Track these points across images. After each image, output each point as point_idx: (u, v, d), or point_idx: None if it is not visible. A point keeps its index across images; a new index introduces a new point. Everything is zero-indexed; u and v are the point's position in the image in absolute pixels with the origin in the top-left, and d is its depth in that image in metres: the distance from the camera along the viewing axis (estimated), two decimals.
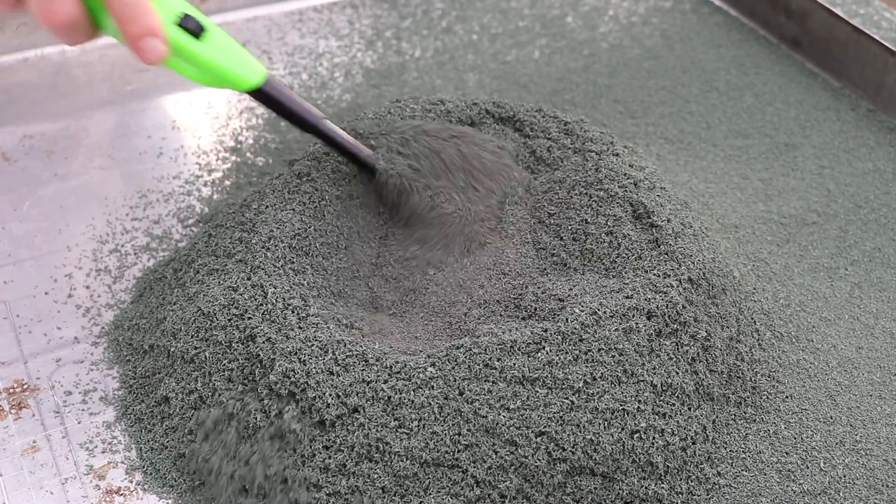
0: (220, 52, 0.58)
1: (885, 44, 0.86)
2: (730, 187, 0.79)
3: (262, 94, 0.61)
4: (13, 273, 0.69)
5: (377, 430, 0.53)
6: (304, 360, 0.55)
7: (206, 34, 0.57)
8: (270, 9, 0.99)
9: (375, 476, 0.52)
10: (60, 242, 0.72)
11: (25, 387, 0.61)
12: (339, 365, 0.55)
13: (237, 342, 0.57)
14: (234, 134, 0.83)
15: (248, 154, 0.80)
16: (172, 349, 0.60)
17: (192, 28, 0.57)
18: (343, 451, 0.53)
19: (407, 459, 0.53)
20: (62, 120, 0.83)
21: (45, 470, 0.57)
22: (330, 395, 0.54)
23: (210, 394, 0.57)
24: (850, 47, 0.89)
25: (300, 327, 0.57)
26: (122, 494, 0.56)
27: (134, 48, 0.55)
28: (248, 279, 0.60)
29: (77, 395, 0.61)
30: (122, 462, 0.57)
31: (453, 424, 0.53)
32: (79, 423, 0.59)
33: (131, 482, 0.56)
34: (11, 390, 0.61)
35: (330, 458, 0.53)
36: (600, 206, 0.66)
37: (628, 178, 0.66)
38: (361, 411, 0.54)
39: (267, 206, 0.65)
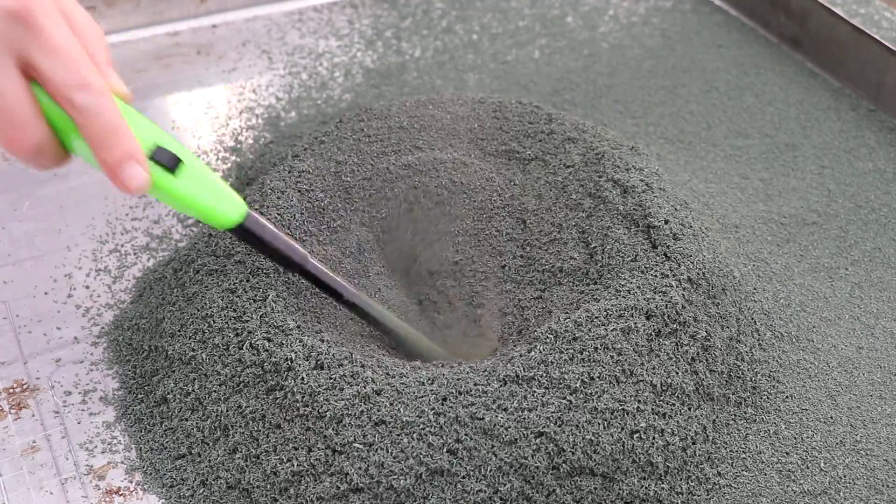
0: (195, 187, 0.54)
1: (886, 43, 0.86)
2: (730, 187, 0.79)
3: (241, 231, 0.56)
4: (13, 273, 0.69)
5: (374, 436, 0.53)
6: (302, 366, 0.55)
7: (182, 167, 0.53)
8: (270, 9, 0.99)
9: (375, 482, 0.52)
10: (60, 242, 0.72)
11: (25, 387, 0.61)
12: (336, 371, 0.55)
13: (234, 346, 0.57)
14: (234, 134, 0.83)
15: (249, 154, 0.80)
16: (170, 350, 0.60)
17: (166, 161, 0.52)
18: (340, 456, 0.53)
19: (406, 466, 0.52)
20: None
21: (45, 470, 0.57)
22: (326, 401, 0.54)
23: (206, 396, 0.57)
24: (851, 47, 0.89)
25: (300, 330, 0.57)
26: (121, 494, 0.56)
27: (112, 176, 0.51)
28: (248, 281, 0.60)
29: (77, 395, 0.61)
30: (122, 462, 0.57)
31: (451, 430, 0.53)
32: (78, 423, 0.59)
33: (131, 482, 0.56)
34: (11, 390, 0.61)
35: (326, 466, 0.53)
36: (597, 208, 0.66)
37: (625, 180, 0.66)
38: (358, 417, 0.53)
39: (268, 207, 0.65)
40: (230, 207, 0.55)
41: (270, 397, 0.55)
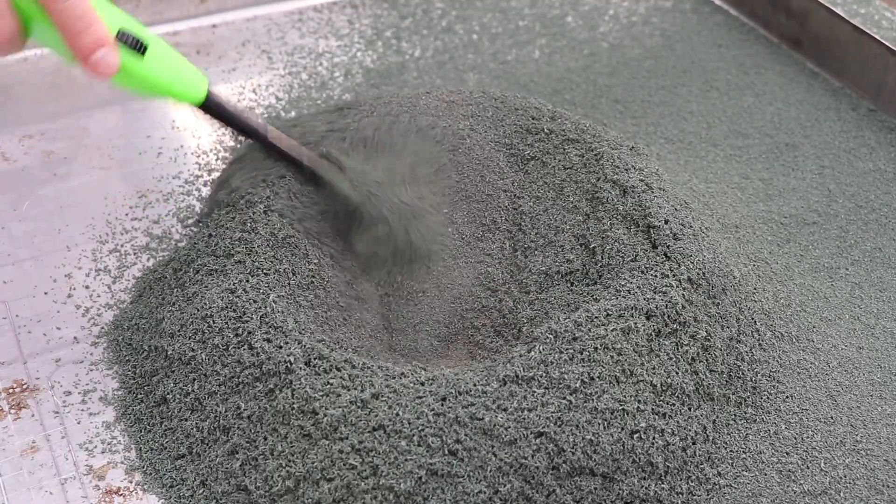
0: (159, 67, 0.56)
1: (886, 43, 0.86)
2: (730, 187, 0.79)
3: (205, 108, 0.60)
4: (13, 273, 0.69)
5: (372, 442, 0.52)
6: (300, 370, 0.55)
7: (148, 49, 0.55)
8: (270, 9, 0.99)
9: (374, 486, 0.52)
10: (60, 242, 0.72)
11: (25, 387, 0.61)
12: (334, 375, 0.55)
13: (234, 347, 0.57)
14: (233, 134, 0.82)
15: None
16: (170, 350, 0.60)
17: (130, 44, 0.55)
18: (338, 462, 0.53)
19: (405, 469, 0.52)
20: (62, 120, 0.83)
21: (45, 470, 0.57)
22: (325, 403, 0.53)
23: (206, 396, 0.57)
24: (851, 47, 0.89)
25: (299, 332, 0.57)
26: (121, 494, 0.56)
27: (84, 62, 0.53)
28: (247, 281, 0.60)
29: (76, 395, 0.61)
30: (122, 462, 0.57)
31: (451, 430, 0.53)
32: (78, 423, 0.59)
33: (131, 482, 0.56)
34: (11, 390, 0.61)
35: (325, 471, 0.53)
36: (596, 209, 0.65)
37: (625, 180, 0.66)
38: (355, 424, 0.53)
39: (267, 208, 0.64)
40: (194, 86, 0.58)
41: (269, 400, 0.55)
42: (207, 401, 0.57)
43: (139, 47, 0.55)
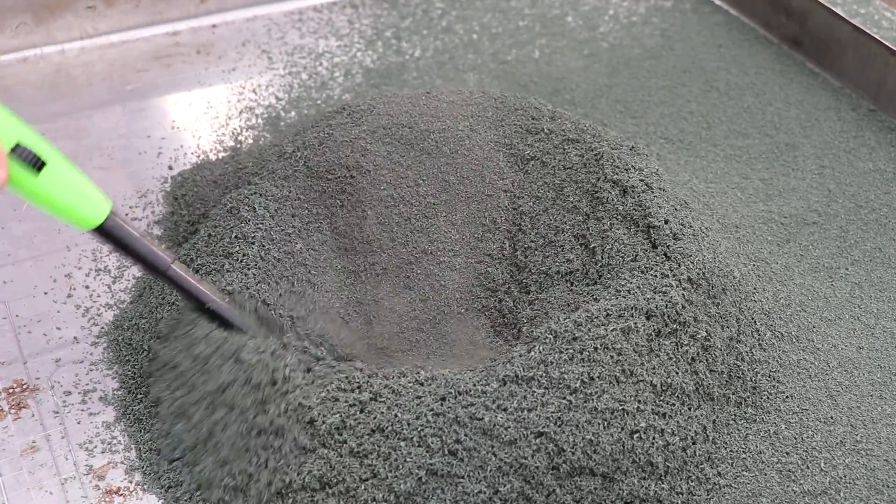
0: (56, 187, 0.53)
1: (886, 43, 0.86)
2: (730, 187, 0.79)
3: (104, 233, 0.55)
4: (13, 273, 0.69)
5: (370, 445, 0.52)
6: (297, 376, 0.54)
7: (45, 167, 0.52)
8: (270, 9, 0.99)
9: (375, 487, 0.52)
10: (60, 242, 0.72)
11: (25, 387, 0.61)
12: (332, 378, 0.55)
13: (227, 353, 0.56)
14: (233, 134, 0.83)
15: (249, 154, 0.80)
16: (161, 353, 0.59)
17: (27, 159, 0.52)
18: (338, 464, 0.52)
19: (405, 470, 0.52)
20: (62, 120, 0.83)
21: (45, 470, 0.57)
22: (324, 408, 0.53)
23: (193, 402, 0.56)
24: (851, 47, 0.89)
25: (297, 335, 0.57)
26: (121, 494, 0.56)
27: None
28: (245, 282, 0.60)
29: (76, 395, 0.61)
30: (122, 462, 0.57)
31: (450, 430, 0.53)
32: (78, 423, 0.59)
33: (131, 482, 0.56)
34: (11, 390, 0.61)
35: (326, 472, 0.52)
36: (596, 209, 0.65)
37: (625, 180, 0.66)
38: (356, 424, 0.53)
39: (264, 208, 0.64)
40: (92, 209, 0.54)
41: (263, 407, 0.54)
42: (193, 410, 0.56)
43: (35, 164, 0.52)
